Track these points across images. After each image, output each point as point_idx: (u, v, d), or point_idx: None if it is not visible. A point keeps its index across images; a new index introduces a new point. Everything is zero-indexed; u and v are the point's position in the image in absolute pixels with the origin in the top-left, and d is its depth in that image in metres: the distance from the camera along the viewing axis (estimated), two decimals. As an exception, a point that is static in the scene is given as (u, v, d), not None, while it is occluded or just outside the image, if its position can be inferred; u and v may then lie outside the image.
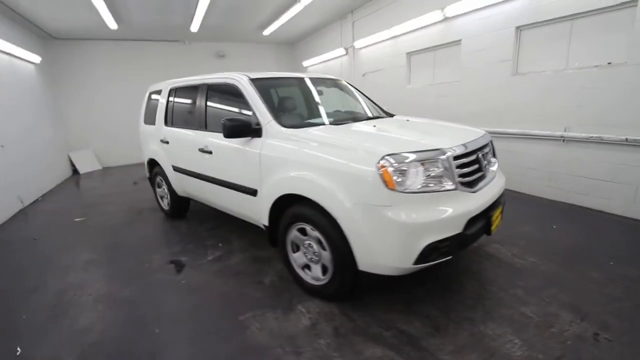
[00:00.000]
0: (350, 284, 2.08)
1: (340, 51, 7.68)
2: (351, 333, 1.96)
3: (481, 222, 2.05)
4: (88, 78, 8.01)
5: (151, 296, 2.48)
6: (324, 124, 2.59)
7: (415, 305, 2.18)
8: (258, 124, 2.49)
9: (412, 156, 1.84)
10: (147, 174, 4.41)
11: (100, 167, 8.25)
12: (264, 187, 2.44)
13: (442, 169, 1.88)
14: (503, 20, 4.20)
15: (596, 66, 3.44)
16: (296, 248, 2.39)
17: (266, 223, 2.51)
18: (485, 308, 2.13)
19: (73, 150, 7.86)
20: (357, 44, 6.99)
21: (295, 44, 10.01)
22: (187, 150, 3.31)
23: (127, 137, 8.51)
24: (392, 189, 1.78)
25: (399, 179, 1.79)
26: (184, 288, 2.57)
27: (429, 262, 1.85)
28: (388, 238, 1.80)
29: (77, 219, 4.38)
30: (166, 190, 3.99)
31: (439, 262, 1.90)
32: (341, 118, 2.89)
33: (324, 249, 2.15)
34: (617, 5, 3.18)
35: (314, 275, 2.28)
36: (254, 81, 2.73)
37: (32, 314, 2.33)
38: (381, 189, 1.78)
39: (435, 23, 5.12)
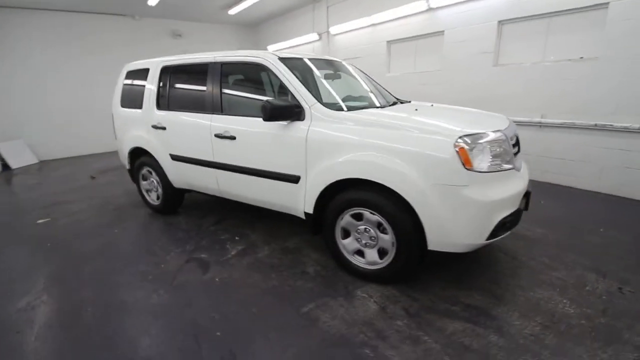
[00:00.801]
0: (414, 265, 2.12)
1: (313, 36, 7.53)
2: (423, 312, 2.00)
3: (524, 198, 2.23)
4: (17, 55, 6.67)
5: (187, 299, 2.22)
6: (366, 108, 2.53)
7: (466, 280, 2.30)
8: (298, 106, 2.35)
9: (484, 137, 1.91)
10: (127, 165, 3.88)
11: (37, 161, 7.01)
12: (311, 173, 2.32)
13: (504, 150, 1.99)
14: (486, 14, 4.51)
15: (570, 60, 3.91)
16: (344, 234, 2.35)
17: (310, 211, 2.40)
18: (525, 276, 2.34)
19: (1, 142, 6.53)
20: (333, 29, 6.92)
21: (259, 26, 9.54)
22: (194, 137, 2.98)
23: (69, 125, 7.40)
24: (469, 169, 1.83)
25: (474, 159, 1.85)
26: (221, 287, 2.35)
27: (497, 237, 1.96)
28: (466, 216, 1.86)
29: (40, 221, 3.69)
30: (157, 182, 3.57)
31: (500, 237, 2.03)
32: (373, 102, 2.85)
33: (383, 232, 2.14)
34: (591, 6, 3.64)
35: (370, 260, 2.26)
36: (284, 61, 2.55)
37: (45, 334, 1.93)
38: (459, 169, 1.83)
39: (418, 13, 5.30)
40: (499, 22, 4.42)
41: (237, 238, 3.09)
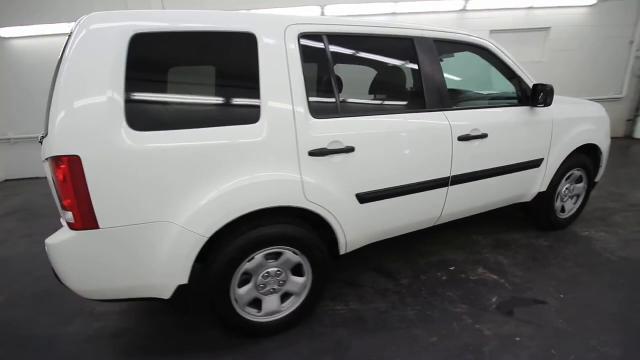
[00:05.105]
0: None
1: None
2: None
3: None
4: None
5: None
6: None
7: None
8: (531, 91, 2.43)
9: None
10: (185, 275, 1.52)
11: None
12: (553, 151, 2.51)
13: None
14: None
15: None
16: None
17: (545, 188, 2.59)
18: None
19: None
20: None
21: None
22: (421, 149, 1.96)
23: None
24: (605, 124, 3.00)
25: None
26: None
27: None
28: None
29: None
30: (289, 269, 1.80)
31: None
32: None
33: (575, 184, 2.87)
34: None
35: (568, 208, 2.90)
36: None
37: None
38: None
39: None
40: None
41: (478, 269, 2.38)
